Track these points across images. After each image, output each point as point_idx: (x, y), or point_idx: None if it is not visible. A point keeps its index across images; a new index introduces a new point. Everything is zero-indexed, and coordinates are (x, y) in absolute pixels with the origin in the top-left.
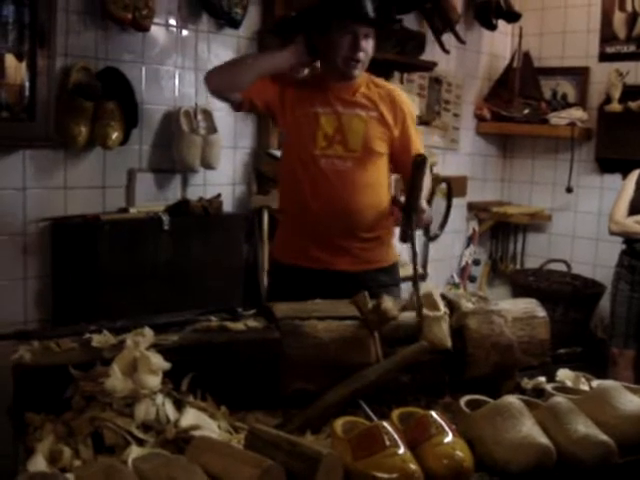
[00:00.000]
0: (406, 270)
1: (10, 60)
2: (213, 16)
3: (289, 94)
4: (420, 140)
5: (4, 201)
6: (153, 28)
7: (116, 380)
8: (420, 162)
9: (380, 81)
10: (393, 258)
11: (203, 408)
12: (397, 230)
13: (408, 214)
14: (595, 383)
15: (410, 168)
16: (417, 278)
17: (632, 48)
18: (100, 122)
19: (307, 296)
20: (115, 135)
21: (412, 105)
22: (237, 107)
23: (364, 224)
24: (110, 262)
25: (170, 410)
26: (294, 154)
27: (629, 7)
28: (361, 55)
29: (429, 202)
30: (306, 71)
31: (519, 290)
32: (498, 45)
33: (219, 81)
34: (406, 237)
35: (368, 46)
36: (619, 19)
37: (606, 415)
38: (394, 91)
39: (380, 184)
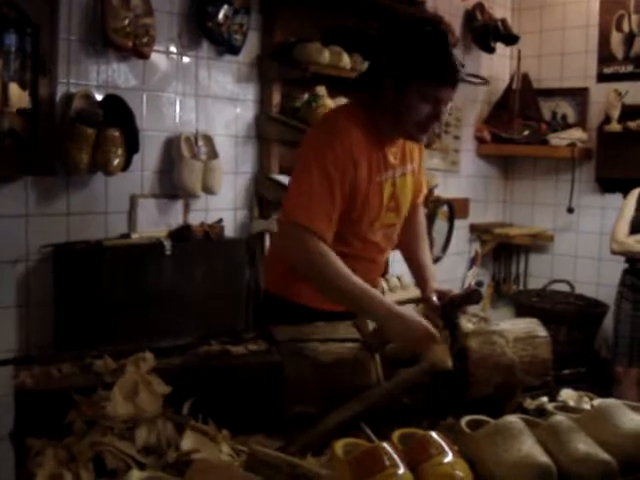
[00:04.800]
0: (409, 292)
1: (14, 89)
2: (213, 43)
3: (358, 167)
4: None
5: (6, 228)
6: (153, 55)
7: (117, 404)
8: (477, 296)
9: None
10: None
11: (204, 432)
12: None
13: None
14: (597, 402)
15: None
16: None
17: (630, 68)
18: (102, 149)
19: None
20: (117, 161)
21: None
22: None
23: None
24: (112, 287)
25: (171, 434)
26: (344, 230)
27: (626, 27)
28: (435, 126)
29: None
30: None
31: (523, 311)
32: (497, 68)
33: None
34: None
35: (442, 116)
36: (616, 39)
37: (607, 433)
38: None
39: None
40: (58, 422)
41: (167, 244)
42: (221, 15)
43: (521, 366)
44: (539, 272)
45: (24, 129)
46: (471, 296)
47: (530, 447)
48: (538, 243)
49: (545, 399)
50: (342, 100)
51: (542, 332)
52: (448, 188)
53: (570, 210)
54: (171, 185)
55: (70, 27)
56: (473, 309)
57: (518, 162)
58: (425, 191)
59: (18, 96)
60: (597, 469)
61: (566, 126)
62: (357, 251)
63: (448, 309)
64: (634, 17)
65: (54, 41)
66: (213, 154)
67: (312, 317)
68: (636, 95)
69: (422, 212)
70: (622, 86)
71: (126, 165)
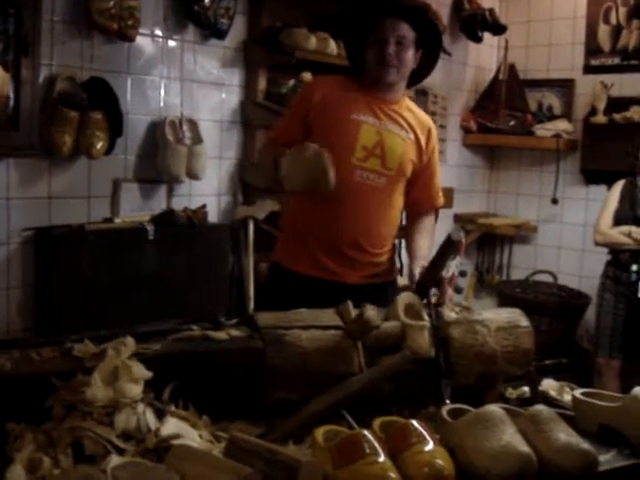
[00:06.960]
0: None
1: None
2: (199, 27)
3: (324, 101)
4: (440, 177)
5: None
6: (139, 38)
7: (97, 389)
8: (456, 241)
9: (416, 108)
10: (395, 272)
11: (185, 417)
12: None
13: (424, 288)
14: (578, 392)
15: (419, 212)
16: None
17: (616, 60)
18: (85, 132)
19: (313, 305)
20: (100, 145)
21: None
22: None
23: (379, 242)
24: (94, 272)
25: (151, 419)
26: None
27: (613, 20)
28: (390, 59)
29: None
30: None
31: (505, 301)
32: (484, 57)
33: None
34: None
35: (402, 53)
36: (604, 32)
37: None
38: (429, 121)
39: (399, 207)
40: (37, 406)
41: (150, 229)
42: None
43: (503, 356)
44: (522, 263)
45: (6, 110)
46: (448, 245)
47: (511, 436)
48: (522, 234)
49: (527, 389)
50: None
51: (524, 322)
52: None
53: (554, 201)
54: (155, 170)
55: (54, 8)
56: (456, 298)
57: (503, 152)
58: (441, 200)
59: (2, 78)
60: (577, 459)
61: (552, 117)
62: (341, 190)
63: (428, 275)
64: (621, 10)
65: (37, 22)
66: (198, 139)
67: (307, 286)
68: (622, 87)
69: (432, 218)
70: (608, 78)
71: (109, 149)
